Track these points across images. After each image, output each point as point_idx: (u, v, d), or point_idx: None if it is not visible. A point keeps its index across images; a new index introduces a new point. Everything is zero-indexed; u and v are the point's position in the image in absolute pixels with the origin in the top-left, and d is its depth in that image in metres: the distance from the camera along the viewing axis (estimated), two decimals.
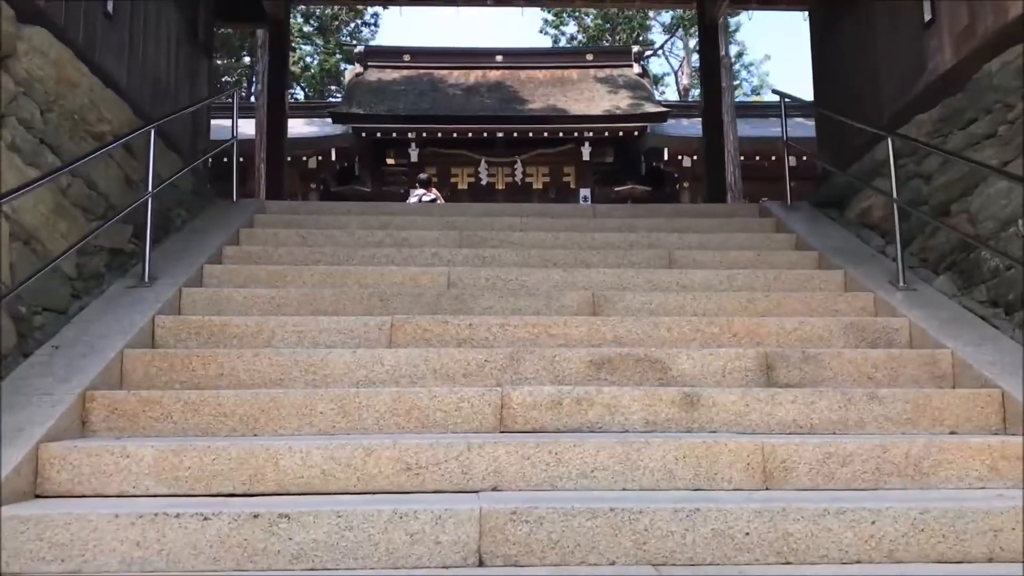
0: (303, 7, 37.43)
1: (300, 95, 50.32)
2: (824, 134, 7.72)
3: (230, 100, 7.85)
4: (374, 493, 3.41)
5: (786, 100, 7.88)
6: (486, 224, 6.90)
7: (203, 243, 6.09)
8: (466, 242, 6.47)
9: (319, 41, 48.68)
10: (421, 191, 14.03)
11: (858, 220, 6.73)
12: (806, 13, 9.54)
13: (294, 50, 48.19)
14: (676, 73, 46.34)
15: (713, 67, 11.31)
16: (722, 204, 8.96)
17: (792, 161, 19.96)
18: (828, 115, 7.29)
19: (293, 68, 48.18)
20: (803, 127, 23.14)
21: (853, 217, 6.83)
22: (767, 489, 3.48)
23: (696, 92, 51.85)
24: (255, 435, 3.86)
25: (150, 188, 5.29)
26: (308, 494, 3.40)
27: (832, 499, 3.23)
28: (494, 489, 3.43)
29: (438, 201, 15.37)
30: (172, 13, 6.84)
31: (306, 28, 47.59)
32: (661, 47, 41.39)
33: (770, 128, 21.36)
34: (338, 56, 42.38)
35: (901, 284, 5.44)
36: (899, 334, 4.91)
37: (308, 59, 47.96)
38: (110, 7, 5.48)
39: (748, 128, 19.53)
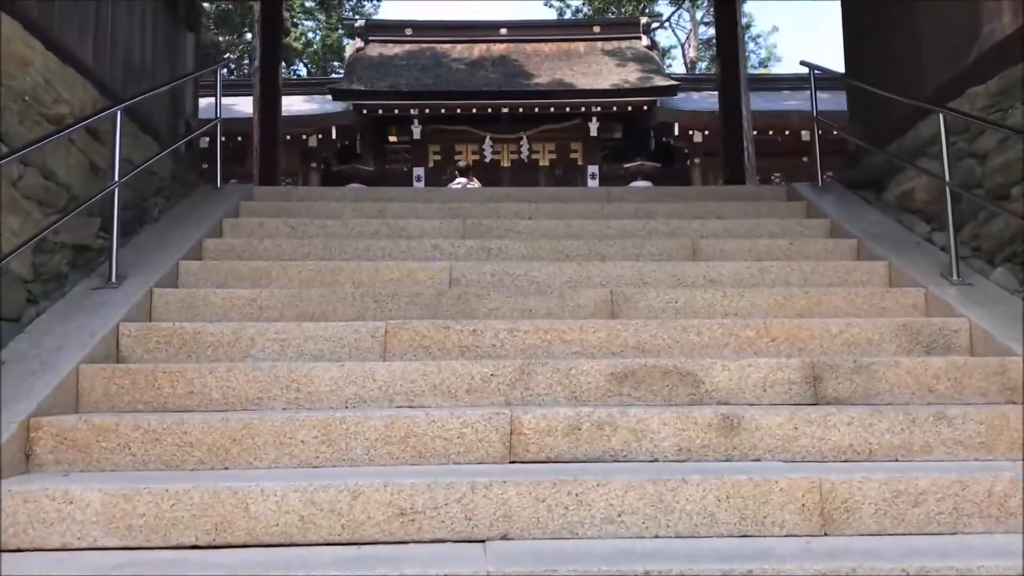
0: None
1: (303, 71, 49.69)
2: (857, 108, 7.12)
3: (216, 78, 7.26)
4: (361, 544, 2.88)
5: (816, 72, 7.26)
6: (492, 211, 6.34)
7: (181, 235, 5.54)
8: (470, 232, 5.92)
9: (321, 16, 47.96)
10: (463, 180, 14.26)
11: (898, 203, 6.15)
12: None
13: (296, 25, 47.53)
14: (683, 46, 45.57)
15: (730, 40, 10.70)
16: (747, 186, 8.33)
17: (806, 135, 19.34)
18: (862, 87, 6.67)
19: (295, 44, 47.54)
20: (822, 101, 22.43)
21: (892, 200, 6.24)
22: (826, 535, 2.94)
23: (703, 65, 51.03)
24: (225, 467, 3.33)
25: (116, 177, 4.74)
26: (284, 545, 2.88)
27: (907, 550, 2.70)
28: (503, 538, 2.90)
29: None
30: None
31: (308, 3, 46.86)
32: (668, 19, 40.57)
33: (782, 102, 20.70)
34: (340, 31, 41.68)
35: (955, 278, 4.87)
36: (958, 337, 4.36)
37: (310, 34, 47.29)
38: None
39: (760, 102, 18.85)
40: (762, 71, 40.74)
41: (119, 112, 4.77)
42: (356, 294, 4.71)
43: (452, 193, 6.64)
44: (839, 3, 7.47)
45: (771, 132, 19.21)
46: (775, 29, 60.19)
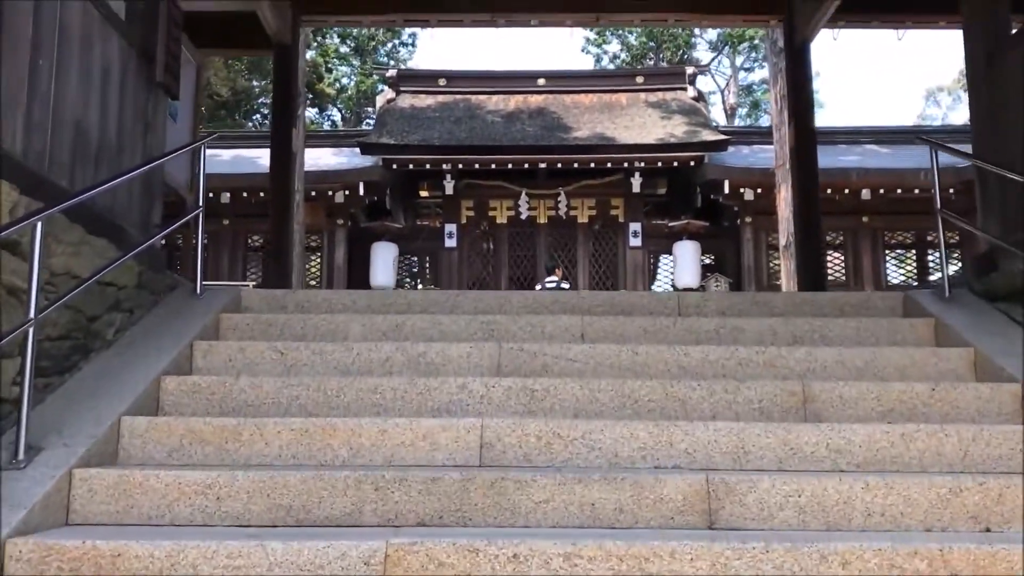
0: (337, 29, 36.10)
1: (336, 117, 49.28)
2: (991, 197, 5.73)
3: (200, 156, 6.02)
4: None
5: (936, 152, 5.88)
6: (534, 327, 5.03)
7: (134, 372, 4.27)
8: (508, 361, 4.60)
9: (355, 61, 47.59)
10: (553, 278, 14.98)
11: None
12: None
13: (330, 71, 47.21)
14: (723, 92, 44.55)
15: (802, 96, 9.38)
16: (850, 293, 6.85)
17: (866, 194, 17.93)
18: (1000, 173, 5.30)
19: (328, 89, 47.16)
20: (878, 155, 21.06)
21: None
22: None
23: (743, 111, 49.84)
24: None
25: (32, 311, 3.49)
26: None
27: None
28: None
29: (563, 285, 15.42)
30: (110, 38, 5.05)
31: (343, 48, 46.53)
32: (707, 65, 39.52)
33: (838, 157, 19.33)
34: (375, 77, 41.02)
35: None
36: None
37: (344, 80, 46.86)
38: None
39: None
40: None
41: (38, 224, 3.53)
42: (351, 479, 3.38)
43: (484, 300, 5.33)
44: (964, 63, 6.11)
45: (829, 190, 17.82)
46: (817, 74, 59.04)
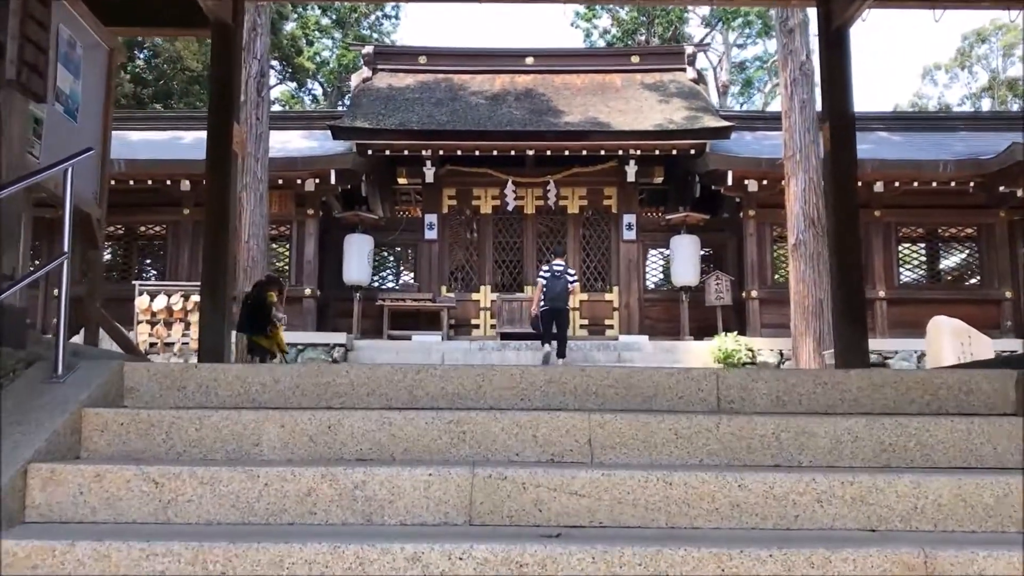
0: (289, 5, 34.12)
1: (318, 91, 47.43)
2: None
3: (66, 178, 4.51)
4: None
5: None
6: (523, 431, 3.57)
7: None
8: (484, 498, 3.15)
9: (337, 34, 45.71)
10: (559, 262, 14.71)
11: None
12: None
13: (311, 44, 45.35)
14: (715, 69, 43.06)
15: (839, 87, 7.92)
16: (943, 371, 5.04)
17: (880, 186, 16.53)
18: None
19: (307, 63, 45.33)
20: (887, 144, 19.62)
21: None
22: None
23: (735, 89, 48.39)
24: None
25: None
26: None
27: None
28: None
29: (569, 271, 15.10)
30: None
31: (323, 20, 44.65)
32: (707, 44, 38.06)
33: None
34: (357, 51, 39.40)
35: None
36: None
37: (326, 53, 45.00)
38: None
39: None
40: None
41: None
42: None
43: (455, 379, 3.87)
44: None
45: None
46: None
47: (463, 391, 3.96)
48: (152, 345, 14.74)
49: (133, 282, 15.74)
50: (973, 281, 17.99)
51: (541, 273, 15.65)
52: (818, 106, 15.27)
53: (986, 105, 46.20)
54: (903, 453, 3.56)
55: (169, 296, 14.56)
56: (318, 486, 3.19)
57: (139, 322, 14.61)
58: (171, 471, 3.18)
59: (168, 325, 14.52)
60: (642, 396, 3.96)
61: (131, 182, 16.68)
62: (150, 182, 16.79)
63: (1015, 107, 44.02)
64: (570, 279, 15.36)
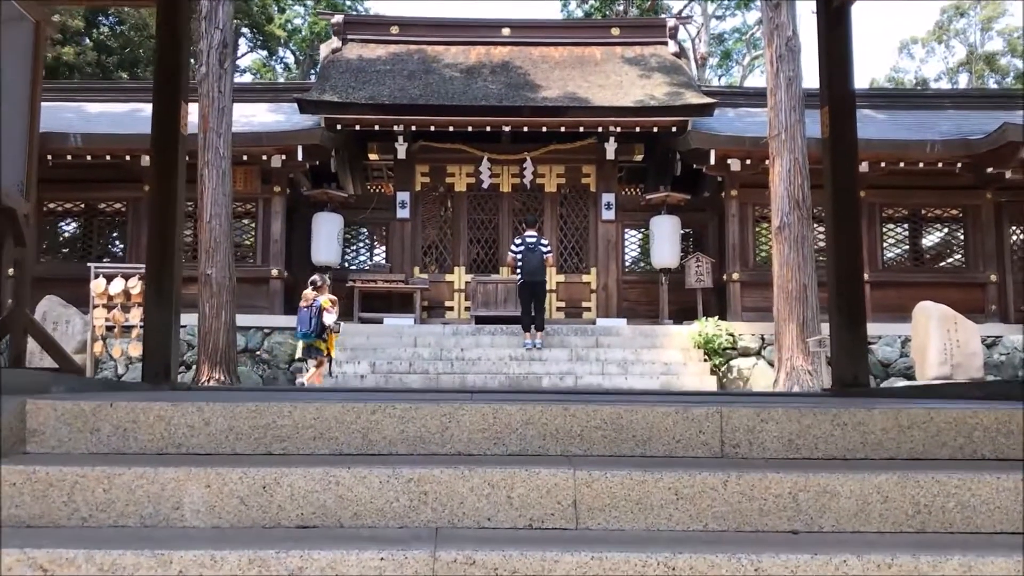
0: None
1: (291, 59, 46.23)
2: None
3: None
4: None
5: None
6: (496, 491, 3.00)
7: None
8: None
9: (309, 1, 44.48)
10: (533, 233, 14.68)
11: None
12: None
13: (282, 11, 44.11)
14: (693, 41, 42.31)
15: (840, 68, 7.32)
16: (978, 411, 4.44)
17: (865, 166, 16.00)
18: None
19: (278, 31, 44.09)
20: (872, 122, 19.11)
21: None
22: None
23: (713, 61, 47.70)
24: None
25: None
26: None
27: None
28: None
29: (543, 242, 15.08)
30: None
31: None
32: (689, 17, 37.35)
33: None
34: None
35: None
36: None
37: (298, 20, 43.81)
38: None
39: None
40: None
41: None
42: None
43: (416, 421, 3.30)
44: None
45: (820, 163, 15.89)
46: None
47: (426, 434, 3.38)
48: (110, 329, 14.05)
49: (88, 264, 14.97)
50: (958, 264, 17.59)
51: (513, 247, 15.13)
52: (805, 84, 14.73)
53: (963, 80, 45.93)
54: (940, 515, 3.03)
55: (127, 279, 13.83)
56: None
57: (95, 306, 13.89)
58: (64, 556, 2.58)
59: (126, 309, 13.81)
60: (634, 440, 3.41)
61: (88, 157, 15.87)
62: (108, 157, 15.97)
63: (991, 82, 43.77)
64: (544, 250, 14.89)
